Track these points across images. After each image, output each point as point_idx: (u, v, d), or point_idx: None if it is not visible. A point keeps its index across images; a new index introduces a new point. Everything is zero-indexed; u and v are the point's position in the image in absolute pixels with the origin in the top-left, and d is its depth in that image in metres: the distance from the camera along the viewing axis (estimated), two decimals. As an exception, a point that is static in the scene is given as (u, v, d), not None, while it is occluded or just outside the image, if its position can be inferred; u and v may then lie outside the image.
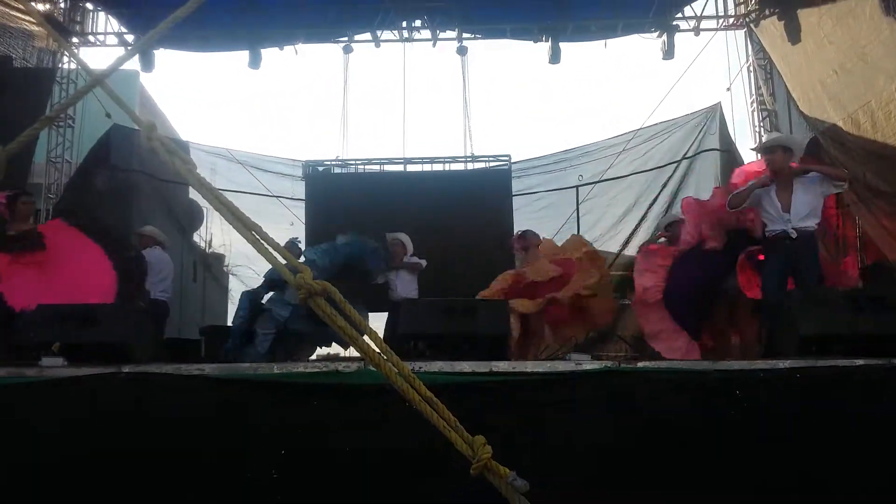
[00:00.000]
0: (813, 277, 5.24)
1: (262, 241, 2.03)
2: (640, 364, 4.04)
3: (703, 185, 9.36)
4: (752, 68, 10.07)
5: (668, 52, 9.97)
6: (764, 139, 6.83)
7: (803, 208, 5.30)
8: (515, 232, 8.57)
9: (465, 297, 6.42)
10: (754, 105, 10.01)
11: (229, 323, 10.13)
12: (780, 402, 3.69)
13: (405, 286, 7.97)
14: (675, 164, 9.98)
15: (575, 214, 10.40)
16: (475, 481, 1.92)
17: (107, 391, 3.82)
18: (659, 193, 9.95)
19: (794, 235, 5.27)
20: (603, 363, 3.97)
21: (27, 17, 9.12)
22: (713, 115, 9.89)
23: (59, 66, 10.11)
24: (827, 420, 3.59)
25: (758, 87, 9.96)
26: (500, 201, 10.56)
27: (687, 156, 9.96)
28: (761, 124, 9.86)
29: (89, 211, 8.88)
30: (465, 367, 3.87)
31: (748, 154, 9.64)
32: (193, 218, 11.85)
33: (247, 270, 11.28)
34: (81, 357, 4.38)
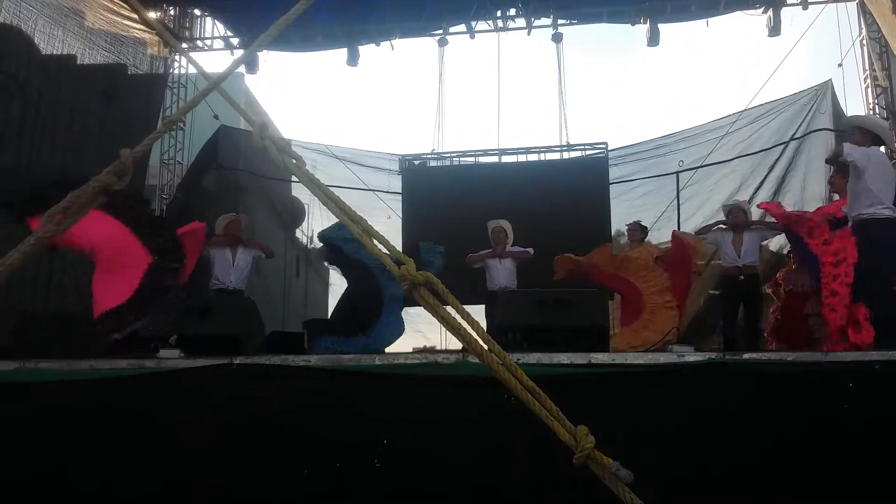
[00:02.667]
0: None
1: (368, 234, 2.09)
2: (745, 356, 3.92)
3: (814, 167, 8.91)
4: (864, 42, 9.48)
5: (775, 29, 9.53)
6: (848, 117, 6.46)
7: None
8: (634, 221, 8.48)
9: (561, 288, 6.39)
10: (868, 81, 9.43)
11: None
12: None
13: (506, 275, 7.87)
14: (783, 146, 9.52)
15: (675, 202, 10.12)
16: (577, 472, 1.93)
17: (219, 381, 4.01)
18: (766, 177, 9.51)
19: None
20: (707, 355, 3.86)
21: (138, 26, 9.65)
22: (824, 94, 9.36)
23: (171, 71, 10.66)
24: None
25: (871, 63, 9.38)
26: (597, 190, 10.40)
27: (795, 137, 9.48)
28: (875, 101, 9.29)
29: (195, 209, 9.32)
30: (564, 358, 3.85)
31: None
32: (296, 214, 12.26)
33: (346, 265, 11.57)
34: (196, 349, 4.63)
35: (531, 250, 7.97)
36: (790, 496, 3.34)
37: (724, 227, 7.14)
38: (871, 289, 4.85)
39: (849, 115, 7.32)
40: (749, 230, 6.92)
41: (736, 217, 7.04)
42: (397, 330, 6.40)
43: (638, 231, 8.15)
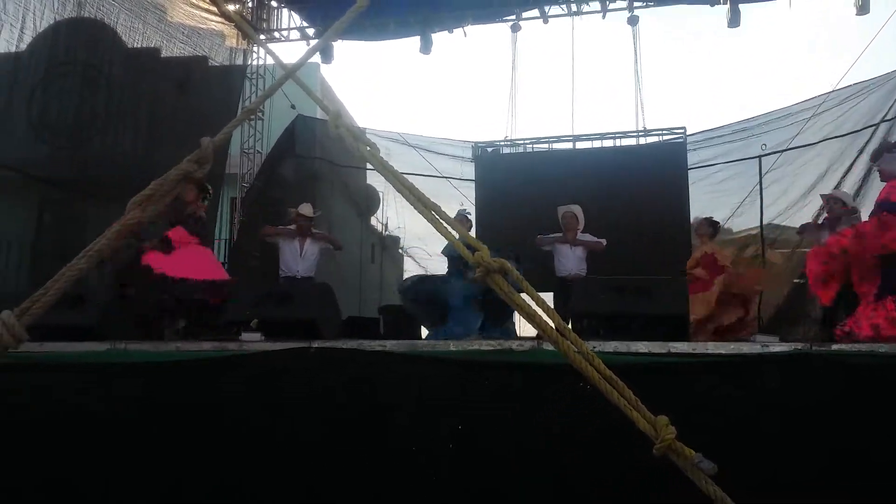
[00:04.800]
0: None
1: (442, 221, 2.09)
2: (835, 347, 3.76)
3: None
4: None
5: (863, 7, 9.06)
6: None
7: None
8: (703, 217, 8.21)
9: (638, 275, 6.27)
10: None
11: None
12: None
13: (577, 262, 7.79)
14: (874, 128, 9.05)
15: (758, 187, 9.77)
16: (656, 462, 1.89)
17: (298, 365, 4.10)
18: (855, 160, 9.04)
19: None
20: (793, 345, 3.72)
21: (216, 18, 9.92)
22: (915, 75, 8.87)
23: (249, 62, 10.92)
24: None
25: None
26: (676, 175, 10.14)
27: (887, 118, 9.01)
28: (970, 82, 8.73)
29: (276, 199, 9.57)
30: (642, 347, 3.77)
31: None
32: (371, 202, 12.42)
33: (420, 251, 11.67)
34: (276, 332, 4.75)
35: (604, 241, 7.85)
36: (872, 498, 3.19)
37: (823, 224, 6.82)
38: None
39: None
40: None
41: (832, 209, 6.69)
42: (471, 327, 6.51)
43: (707, 226, 7.79)
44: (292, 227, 7.77)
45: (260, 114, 10.80)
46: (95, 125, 8.10)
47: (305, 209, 7.84)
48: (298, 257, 7.72)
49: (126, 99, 8.46)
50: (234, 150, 10.58)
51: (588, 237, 7.90)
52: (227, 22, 10.03)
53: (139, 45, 8.67)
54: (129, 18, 8.46)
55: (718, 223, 8.04)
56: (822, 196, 7.28)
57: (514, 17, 10.65)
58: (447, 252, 7.10)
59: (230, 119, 2.33)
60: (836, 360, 3.50)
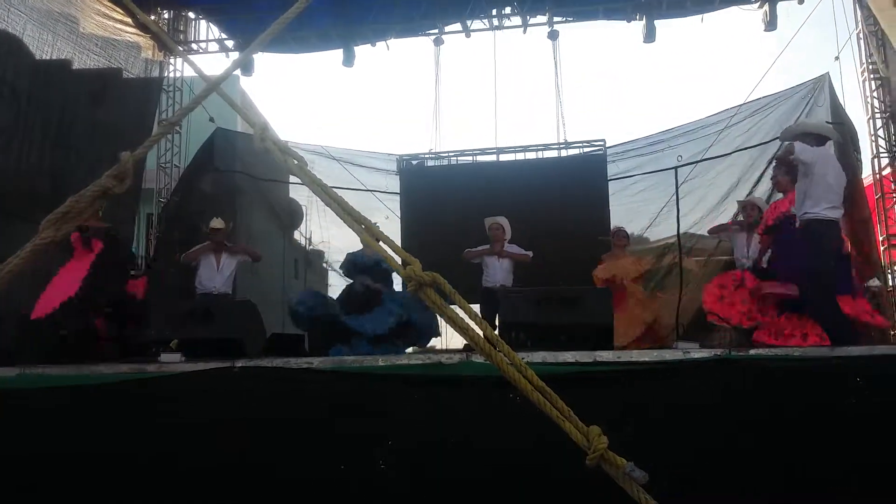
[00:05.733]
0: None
1: (371, 235, 2.07)
2: (752, 351, 3.90)
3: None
4: (861, 35, 9.46)
5: (771, 23, 9.51)
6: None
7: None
8: (617, 227, 8.50)
9: (561, 285, 6.37)
10: (865, 74, 9.40)
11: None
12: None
13: (504, 274, 7.87)
14: (782, 140, 9.49)
15: (675, 197, 10.08)
16: (589, 473, 1.90)
17: (222, 385, 3.98)
18: (764, 170, 9.43)
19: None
20: (713, 351, 3.83)
21: (131, 29, 9.60)
22: (821, 87, 9.32)
23: (166, 74, 10.61)
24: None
25: (869, 55, 9.35)
26: (596, 187, 10.37)
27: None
28: (873, 94, 9.26)
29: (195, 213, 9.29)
30: (569, 356, 3.82)
31: (862, 125, 9.11)
32: (294, 216, 12.23)
33: (345, 266, 11.53)
34: (197, 352, 4.61)
35: (530, 254, 7.96)
36: (799, 491, 3.31)
37: (737, 227, 7.13)
38: (814, 293, 4.92)
39: (801, 121, 7.32)
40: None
41: (749, 214, 7.00)
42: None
43: (623, 237, 8.16)
44: (206, 243, 7.57)
45: (177, 127, 10.50)
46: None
47: (216, 223, 7.66)
48: (215, 272, 7.52)
49: (34, 112, 8.07)
50: (151, 164, 10.26)
51: (515, 249, 7.99)
52: (142, 33, 9.73)
53: (49, 57, 8.29)
54: (36, 29, 8.08)
55: (629, 234, 8.42)
56: (738, 202, 7.61)
57: (436, 31, 10.70)
58: (347, 265, 7.08)
59: (146, 132, 2.25)
60: (755, 364, 3.63)
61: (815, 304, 4.94)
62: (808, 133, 5.29)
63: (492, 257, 7.94)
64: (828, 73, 9.34)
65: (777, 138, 6.01)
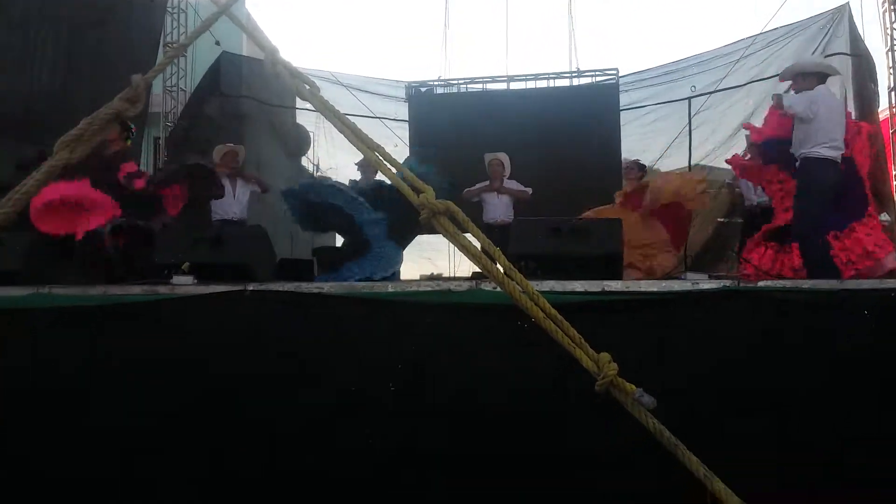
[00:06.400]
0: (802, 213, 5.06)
1: (385, 161, 2.06)
2: (760, 283, 3.91)
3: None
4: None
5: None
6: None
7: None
8: (629, 159, 8.33)
9: (571, 216, 6.36)
10: (886, 5, 9.13)
11: (339, 243, 10.45)
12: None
13: (504, 210, 7.86)
14: (781, 79, 9.30)
15: (687, 128, 9.97)
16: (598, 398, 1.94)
17: (234, 308, 4.03)
18: (780, 102, 9.33)
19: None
20: (721, 282, 3.85)
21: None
22: (840, 17, 9.08)
23: (169, -4, 10.38)
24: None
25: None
26: (607, 117, 10.24)
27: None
28: (894, 25, 9.01)
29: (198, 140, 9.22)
30: (577, 286, 3.84)
31: (880, 58, 8.91)
32: (301, 142, 12.13)
33: (353, 192, 11.50)
34: (208, 276, 4.64)
35: (529, 190, 7.93)
36: (807, 424, 3.38)
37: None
38: (802, 229, 4.98)
39: (800, 60, 7.11)
40: None
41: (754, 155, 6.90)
42: (395, 261, 6.47)
43: (635, 169, 7.94)
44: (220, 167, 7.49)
45: (183, 51, 10.33)
46: (8, 60, 7.61)
47: (230, 147, 7.59)
48: (232, 199, 7.51)
49: (41, 35, 7.95)
50: (157, 88, 10.14)
51: (514, 185, 7.95)
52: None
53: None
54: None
55: (646, 165, 8.24)
56: (745, 126, 7.47)
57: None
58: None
59: (151, 56, 2.22)
60: (764, 296, 3.64)
61: (802, 242, 4.99)
62: (806, 73, 5.23)
63: (491, 193, 7.92)
64: (847, 3, 9.10)
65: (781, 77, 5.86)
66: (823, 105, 4.99)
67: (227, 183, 7.45)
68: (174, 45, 9.59)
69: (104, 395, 3.86)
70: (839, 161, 4.96)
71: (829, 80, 5.29)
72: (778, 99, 5.24)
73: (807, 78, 5.15)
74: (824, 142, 4.92)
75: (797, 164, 5.07)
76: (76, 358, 3.96)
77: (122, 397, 3.84)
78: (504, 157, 7.99)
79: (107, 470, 3.76)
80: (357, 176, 8.30)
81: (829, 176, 4.93)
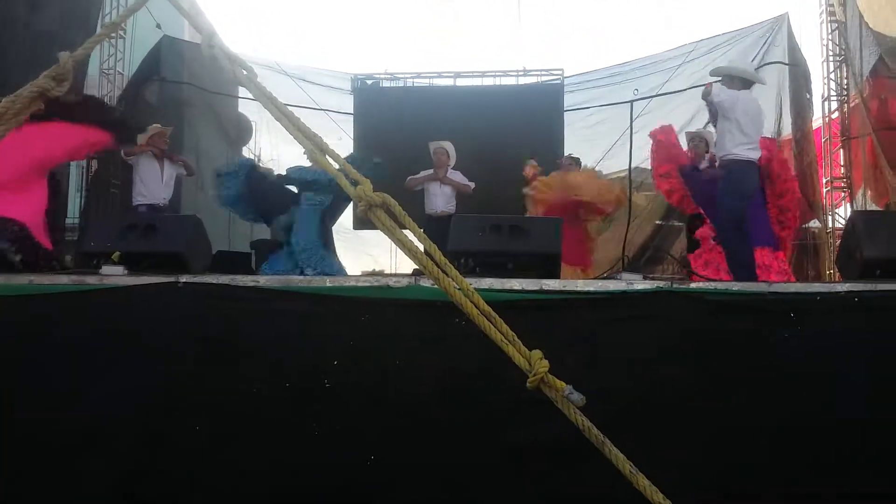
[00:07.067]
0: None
1: (322, 152, 2.02)
2: (693, 284, 4.00)
3: (766, 98, 8.96)
4: (821, -24, 9.47)
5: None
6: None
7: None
8: (567, 154, 8.49)
9: (512, 213, 6.42)
10: (823, 16, 9.45)
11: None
12: (837, 326, 3.63)
13: (445, 200, 7.84)
14: (711, 75, 9.54)
15: (629, 131, 10.12)
16: (529, 395, 1.95)
17: (165, 300, 3.92)
18: (718, 107, 9.56)
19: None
20: (655, 283, 3.93)
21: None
22: (779, 26, 9.36)
23: (108, -26, 10.03)
24: (886, 345, 3.52)
25: (828, -2, 9.38)
26: (552, 117, 10.35)
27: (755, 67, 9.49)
28: (829, 37, 9.34)
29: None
30: (516, 284, 3.87)
31: (816, 67, 9.21)
32: (242, 131, 11.90)
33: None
34: (140, 266, 4.52)
35: (472, 185, 7.94)
36: (735, 420, 3.47)
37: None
38: (725, 230, 5.23)
39: (730, 63, 7.43)
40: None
41: (696, 147, 7.08)
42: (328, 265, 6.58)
43: (572, 165, 8.15)
44: (144, 146, 7.23)
45: (122, 32, 9.99)
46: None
47: (156, 127, 7.35)
48: (160, 182, 7.24)
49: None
50: (93, 70, 9.80)
51: (458, 176, 7.94)
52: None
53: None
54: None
55: (579, 159, 8.40)
56: (686, 134, 7.67)
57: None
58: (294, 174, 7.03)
59: (88, 37, 2.14)
60: (695, 297, 3.73)
61: (725, 241, 5.17)
62: (733, 76, 5.43)
63: (434, 183, 7.88)
64: (787, 12, 9.39)
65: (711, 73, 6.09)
66: (743, 107, 5.20)
67: (154, 164, 7.22)
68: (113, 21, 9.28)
69: (29, 389, 3.71)
70: (756, 164, 5.22)
71: (754, 87, 5.47)
72: (709, 87, 5.40)
73: (733, 80, 5.35)
74: (746, 143, 5.13)
75: (716, 164, 5.23)
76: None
77: (48, 392, 3.70)
78: (449, 145, 7.97)
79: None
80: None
81: (752, 178, 5.13)
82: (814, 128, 9.10)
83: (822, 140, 9.29)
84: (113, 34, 9.47)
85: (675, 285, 3.89)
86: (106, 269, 4.42)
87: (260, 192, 6.97)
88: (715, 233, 5.97)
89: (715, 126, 5.55)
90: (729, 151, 5.12)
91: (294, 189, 7.04)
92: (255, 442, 3.63)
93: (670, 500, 1.71)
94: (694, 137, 7.31)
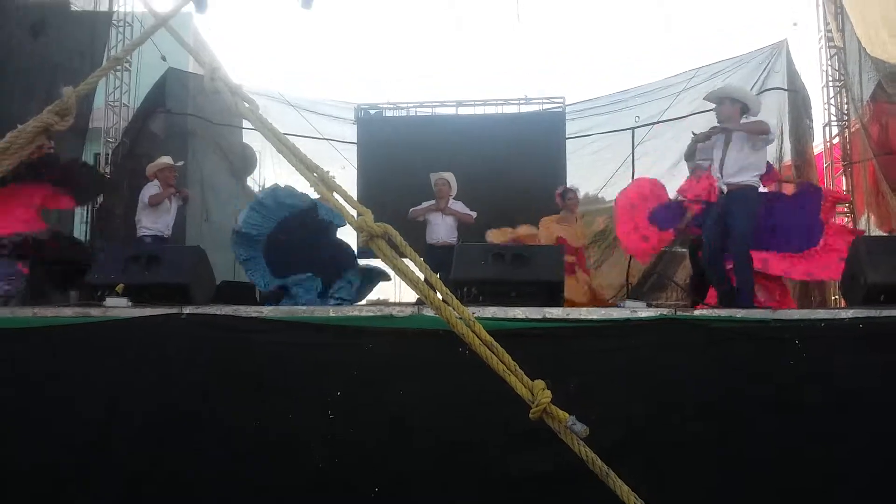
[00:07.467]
0: (740, 231, 5.04)
1: (324, 183, 2.03)
2: (696, 312, 3.99)
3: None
4: (820, 2, 9.56)
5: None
6: (716, 88, 6.49)
7: (733, 165, 5.12)
8: (562, 187, 8.50)
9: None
10: (822, 42, 9.52)
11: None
12: (841, 353, 3.60)
13: (447, 231, 7.86)
14: (707, 100, 9.57)
15: (630, 158, 10.15)
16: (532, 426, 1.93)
17: (169, 331, 3.92)
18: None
19: (725, 190, 5.12)
20: (659, 311, 3.92)
21: (79, -39, 9.17)
22: (778, 53, 9.42)
23: (115, 9, 10.18)
24: (891, 372, 3.50)
25: (826, 23, 9.46)
26: (554, 145, 10.40)
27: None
28: (829, 63, 9.40)
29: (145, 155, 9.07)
30: (519, 313, 3.86)
31: (816, 93, 9.25)
32: (247, 162, 11.98)
33: (300, 214, 11.39)
34: (144, 297, 4.52)
35: (474, 214, 7.95)
36: (739, 450, 3.44)
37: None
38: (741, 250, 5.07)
39: (723, 86, 7.33)
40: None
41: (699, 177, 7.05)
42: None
43: (573, 197, 8.19)
44: (165, 187, 7.30)
45: (127, 65, 10.11)
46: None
47: (167, 159, 7.41)
48: (167, 213, 7.28)
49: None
50: (99, 102, 9.90)
51: (460, 206, 7.96)
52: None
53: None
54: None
55: (577, 189, 8.45)
56: (689, 164, 7.63)
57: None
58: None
59: (93, 71, 2.16)
60: (699, 325, 3.71)
61: (739, 260, 5.12)
62: (735, 99, 5.35)
63: (436, 213, 7.91)
64: (786, 39, 9.46)
65: (706, 98, 6.02)
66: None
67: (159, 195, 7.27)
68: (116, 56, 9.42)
69: (30, 420, 3.71)
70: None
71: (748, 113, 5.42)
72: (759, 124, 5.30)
73: (734, 104, 5.27)
74: (760, 172, 5.12)
75: (728, 190, 5.13)
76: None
77: (48, 423, 3.70)
78: (450, 176, 8.01)
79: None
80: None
81: (759, 204, 5.19)
82: (815, 153, 9.12)
83: (824, 166, 9.30)
84: (118, 67, 9.58)
85: (678, 313, 3.87)
86: (110, 301, 4.43)
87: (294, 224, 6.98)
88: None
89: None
90: (747, 178, 5.07)
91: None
92: (257, 473, 3.60)
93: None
94: (696, 168, 7.25)
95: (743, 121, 5.16)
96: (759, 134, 5.14)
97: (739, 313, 3.92)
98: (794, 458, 3.40)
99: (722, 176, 5.14)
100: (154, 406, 3.71)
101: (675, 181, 9.70)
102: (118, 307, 4.27)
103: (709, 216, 5.36)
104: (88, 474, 3.63)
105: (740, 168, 5.08)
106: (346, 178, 10.40)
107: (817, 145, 9.32)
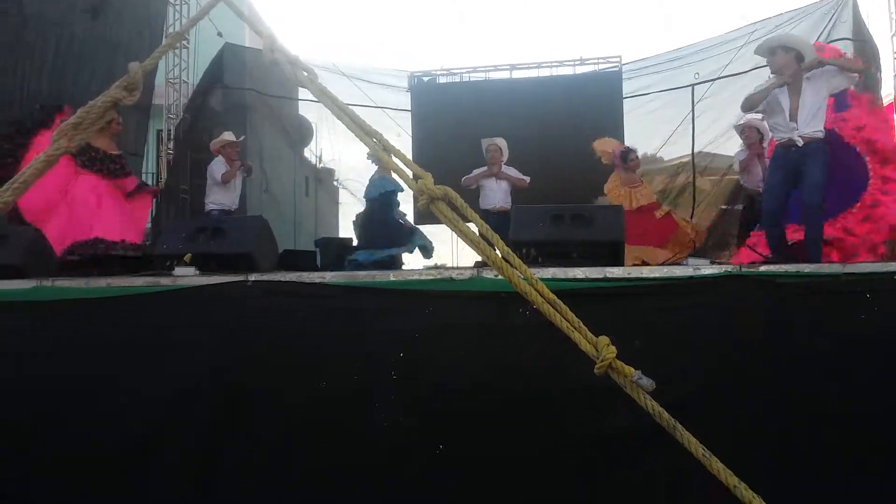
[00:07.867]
0: (817, 185, 4.85)
1: (384, 148, 2.06)
2: (762, 268, 3.90)
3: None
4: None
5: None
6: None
7: (809, 111, 4.91)
8: (621, 147, 8.33)
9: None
10: (891, -9, 9.05)
11: (341, 234, 10.50)
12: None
13: (502, 196, 7.85)
14: (758, 53, 9.22)
15: (690, 115, 9.91)
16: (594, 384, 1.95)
17: (236, 298, 4.04)
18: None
19: (800, 143, 4.90)
20: (723, 268, 3.84)
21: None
22: (844, 2, 9.04)
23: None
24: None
25: (895, -32, 8.98)
26: (610, 105, 10.23)
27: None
28: (897, 10, 8.94)
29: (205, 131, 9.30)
30: (579, 273, 3.84)
31: (884, 43, 8.84)
32: (304, 133, 12.16)
33: (355, 183, 11.55)
34: (210, 267, 4.66)
35: (528, 179, 7.89)
36: (806, 406, 3.38)
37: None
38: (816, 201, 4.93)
39: (772, 35, 6.94)
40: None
41: (748, 136, 6.96)
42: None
43: (635, 158, 8.05)
44: (233, 163, 7.54)
45: (185, 42, 10.32)
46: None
47: (230, 135, 7.61)
48: (232, 188, 7.57)
49: (34, 29, 7.95)
50: (160, 79, 10.14)
51: (512, 171, 7.91)
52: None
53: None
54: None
55: (635, 149, 8.26)
56: (735, 127, 7.40)
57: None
58: (372, 193, 7.21)
59: (152, 49, 2.22)
60: (766, 281, 3.64)
61: (808, 215, 4.96)
62: (788, 47, 5.13)
63: (489, 179, 7.88)
64: (852, -13, 9.04)
65: (756, 52, 5.75)
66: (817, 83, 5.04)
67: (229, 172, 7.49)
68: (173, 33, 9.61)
69: (110, 386, 3.89)
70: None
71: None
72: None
73: (788, 52, 5.08)
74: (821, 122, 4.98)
75: (801, 142, 4.93)
76: (81, 348, 3.98)
77: (127, 388, 3.87)
78: (502, 141, 7.96)
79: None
80: (359, 167, 8.40)
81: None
82: (885, 104, 8.74)
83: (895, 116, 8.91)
84: (178, 44, 9.77)
85: (743, 269, 3.80)
86: (178, 270, 4.58)
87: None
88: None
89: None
90: (817, 129, 4.92)
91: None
92: (322, 434, 3.70)
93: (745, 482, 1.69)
94: (744, 128, 7.03)
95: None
96: (852, 72, 4.94)
97: (807, 268, 3.82)
98: (866, 413, 3.33)
99: (797, 125, 4.93)
100: (229, 362, 3.85)
101: (736, 138, 9.47)
102: (187, 276, 4.41)
103: (778, 169, 5.15)
104: (166, 437, 3.80)
105: (815, 114, 4.92)
106: (401, 145, 10.36)
107: (887, 95, 8.93)
